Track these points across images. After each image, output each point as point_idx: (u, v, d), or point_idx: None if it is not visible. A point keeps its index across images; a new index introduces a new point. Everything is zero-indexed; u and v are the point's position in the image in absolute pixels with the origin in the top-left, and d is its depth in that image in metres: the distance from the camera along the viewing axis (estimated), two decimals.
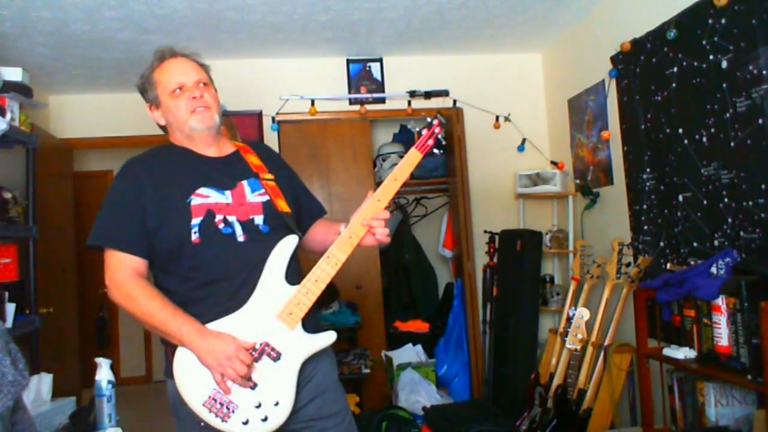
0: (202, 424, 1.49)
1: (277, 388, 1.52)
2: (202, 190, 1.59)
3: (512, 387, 3.67)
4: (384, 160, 4.35)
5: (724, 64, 2.44)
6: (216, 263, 1.55)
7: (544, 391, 3.23)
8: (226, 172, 1.66)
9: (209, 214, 1.57)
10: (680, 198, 2.77)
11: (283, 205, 1.65)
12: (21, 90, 2.82)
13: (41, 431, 1.74)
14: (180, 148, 1.69)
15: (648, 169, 3.02)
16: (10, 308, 2.67)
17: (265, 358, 1.52)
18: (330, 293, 3.71)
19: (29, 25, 3.19)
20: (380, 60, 4.17)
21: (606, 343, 3.02)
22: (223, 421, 1.47)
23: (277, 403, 1.51)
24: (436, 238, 4.85)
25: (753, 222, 2.35)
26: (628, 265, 2.99)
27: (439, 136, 1.62)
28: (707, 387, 2.26)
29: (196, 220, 1.55)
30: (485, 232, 4.15)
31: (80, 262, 4.42)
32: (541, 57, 4.35)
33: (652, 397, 2.65)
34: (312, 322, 1.60)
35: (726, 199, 2.48)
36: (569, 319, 3.07)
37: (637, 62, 3.04)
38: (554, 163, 4.08)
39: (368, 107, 4.12)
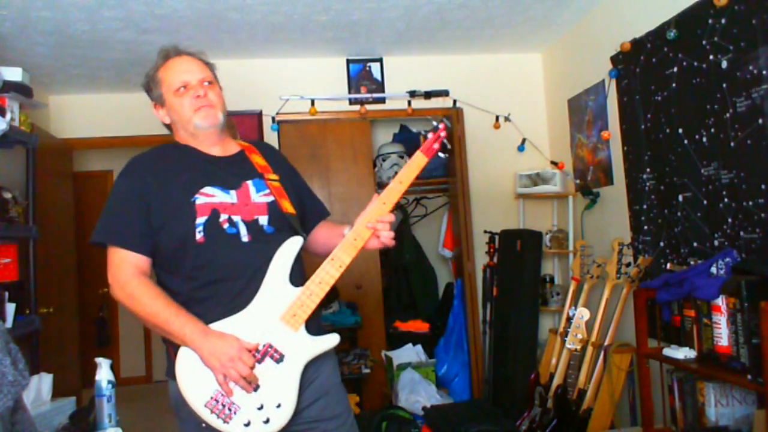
0: (204, 425, 1.48)
1: (280, 390, 1.51)
2: (207, 189, 1.58)
3: (512, 387, 3.67)
4: (384, 160, 4.36)
5: (724, 64, 2.44)
6: (220, 263, 1.54)
7: (544, 391, 3.23)
8: (231, 172, 1.65)
9: (214, 214, 1.56)
10: (680, 198, 2.77)
11: (287, 206, 1.65)
12: (21, 90, 2.82)
13: (41, 431, 1.74)
14: (185, 147, 1.68)
15: (648, 169, 3.02)
16: (10, 308, 2.67)
17: (267, 359, 1.51)
18: (330, 293, 3.70)
19: (29, 25, 3.19)
20: (380, 60, 4.17)
21: (606, 343, 3.02)
22: (224, 422, 1.47)
23: (279, 405, 1.50)
24: (436, 238, 4.85)
25: (753, 222, 2.35)
26: (628, 265, 2.99)
27: (445, 140, 1.61)
28: (707, 387, 2.26)
29: (200, 219, 1.55)
30: (485, 232, 4.15)
31: (80, 262, 4.42)
32: (541, 57, 4.35)
33: (652, 397, 2.64)
34: (315, 324, 1.59)
35: (726, 199, 2.48)
36: (569, 319, 3.07)
37: (637, 62, 3.04)
38: (554, 163, 4.08)
39: (368, 107, 4.12)
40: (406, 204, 4.96)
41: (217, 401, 1.47)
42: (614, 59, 3.26)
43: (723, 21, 2.43)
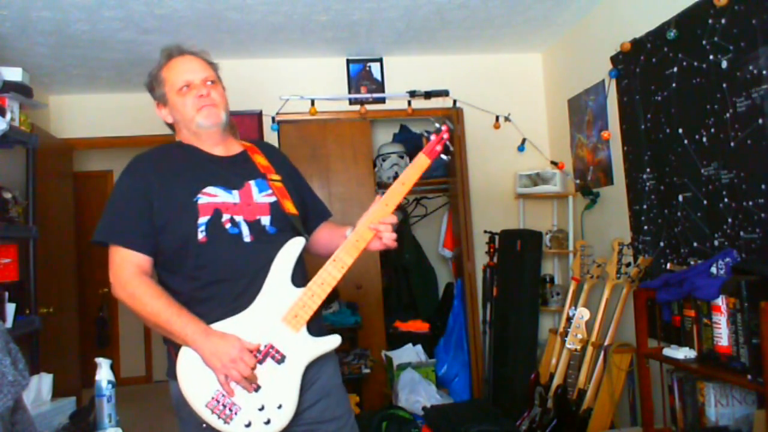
0: (204, 425, 1.48)
1: (281, 390, 1.51)
2: (209, 189, 1.58)
3: (512, 387, 3.67)
4: (384, 160, 4.35)
5: (724, 64, 2.44)
6: (222, 263, 1.54)
7: (544, 391, 3.23)
8: (233, 172, 1.65)
9: (216, 214, 1.56)
10: (680, 198, 2.77)
11: (290, 207, 1.64)
12: (21, 90, 2.82)
13: (41, 431, 1.74)
14: (187, 146, 1.68)
15: (648, 169, 3.02)
16: (10, 308, 2.67)
17: (269, 360, 1.51)
18: (330, 294, 3.70)
19: (29, 25, 3.19)
20: (380, 60, 4.17)
21: (606, 343, 3.02)
22: (225, 422, 1.46)
23: (280, 406, 1.50)
24: (436, 238, 4.85)
25: (753, 222, 2.35)
26: (628, 265, 2.99)
27: (448, 143, 1.61)
28: (707, 387, 2.26)
29: (203, 219, 1.54)
30: (485, 232, 4.15)
31: (80, 262, 4.42)
32: (541, 57, 4.35)
33: (652, 397, 2.64)
34: (316, 325, 1.59)
35: (726, 199, 2.48)
36: (569, 319, 3.07)
37: (637, 62, 3.04)
38: (554, 163, 4.08)
39: (368, 107, 4.12)
40: (406, 204, 4.95)
41: (218, 401, 1.47)
42: (614, 59, 3.26)
43: (723, 21, 2.43)
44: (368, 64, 4.17)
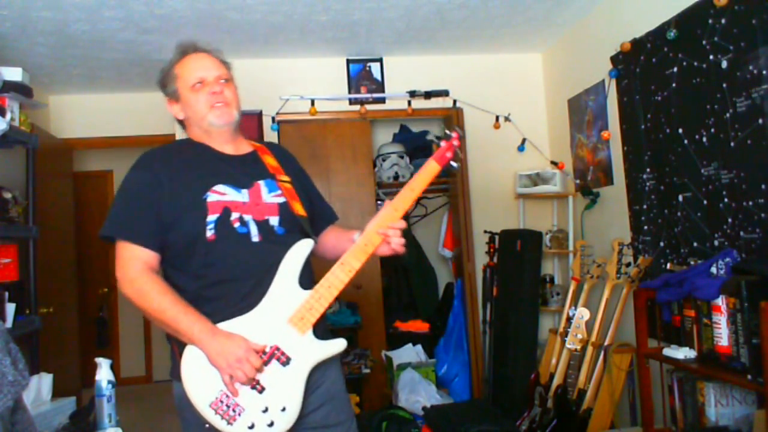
0: (207, 425, 1.47)
1: (285, 393, 1.50)
2: (219, 187, 1.57)
3: (512, 387, 3.67)
4: (384, 160, 4.36)
5: (724, 64, 2.44)
6: (230, 262, 1.53)
7: (544, 391, 3.23)
8: (243, 171, 1.64)
9: (225, 212, 1.55)
10: (680, 198, 2.77)
11: (299, 208, 1.64)
12: (21, 90, 2.82)
13: (41, 431, 1.74)
14: (198, 144, 1.68)
15: (648, 169, 3.02)
16: (10, 308, 2.67)
17: (274, 362, 1.50)
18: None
19: (29, 25, 3.19)
20: (380, 60, 4.17)
21: (606, 343, 3.02)
22: (228, 423, 1.45)
23: (284, 409, 1.49)
24: (436, 238, 4.84)
25: (753, 222, 2.35)
26: (628, 265, 2.99)
27: (458, 150, 1.61)
28: (707, 387, 2.26)
29: (212, 217, 1.54)
30: (485, 232, 4.15)
31: (80, 263, 4.42)
32: (541, 57, 4.35)
33: (652, 397, 2.64)
34: (322, 328, 1.58)
35: (726, 199, 2.49)
36: (569, 319, 3.07)
37: (637, 62, 3.04)
38: (554, 163, 4.08)
39: (368, 107, 4.12)
40: None
41: (222, 402, 1.46)
42: (614, 59, 3.26)
43: (723, 21, 2.43)
44: (368, 64, 4.17)
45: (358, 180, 4.17)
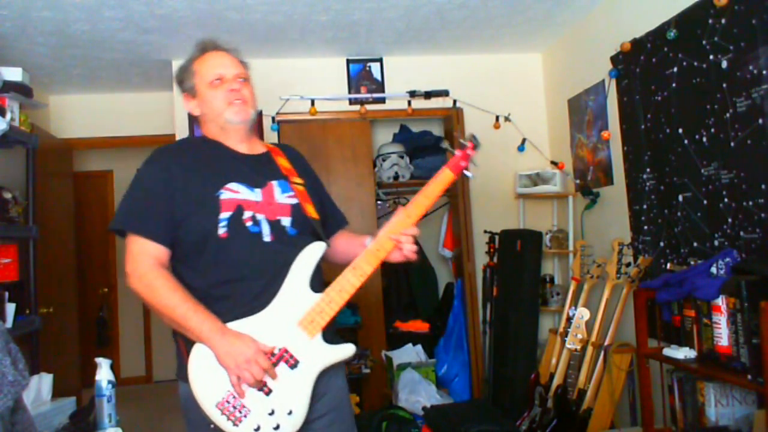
0: (212, 426, 1.46)
1: (292, 396, 1.49)
2: (232, 185, 1.57)
3: (512, 387, 3.67)
4: (384, 160, 4.35)
5: (724, 64, 2.44)
6: (241, 260, 1.53)
7: (544, 391, 3.23)
8: (256, 170, 1.64)
9: (238, 210, 1.54)
10: (680, 198, 2.77)
11: (311, 211, 1.64)
12: (21, 90, 2.82)
13: (41, 431, 1.74)
14: (212, 141, 1.67)
15: (648, 169, 3.02)
16: (10, 308, 2.67)
17: (282, 364, 1.49)
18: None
19: (29, 25, 3.19)
20: (380, 60, 4.17)
21: (606, 343, 3.02)
22: (234, 425, 1.44)
23: (290, 412, 1.48)
24: (436, 238, 4.84)
25: (753, 222, 2.35)
26: (628, 265, 2.99)
27: (474, 159, 1.62)
28: (707, 387, 2.26)
29: (224, 215, 1.53)
30: (485, 232, 4.15)
31: (80, 262, 4.42)
32: (541, 57, 4.35)
33: (652, 397, 2.64)
34: (331, 333, 1.58)
35: (726, 199, 2.49)
36: (569, 319, 3.07)
37: (637, 62, 3.04)
38: (554, 163, 4.08)
39: (368, 107, 4.12)
40: (405, 203, 4.95)
41: (229, 402, 1.45)
42: (614, 59, 3.26)
43: (723, 21, 2.43)
44: (368, 64, 4.17)
45: (358, 180, 4.17)
